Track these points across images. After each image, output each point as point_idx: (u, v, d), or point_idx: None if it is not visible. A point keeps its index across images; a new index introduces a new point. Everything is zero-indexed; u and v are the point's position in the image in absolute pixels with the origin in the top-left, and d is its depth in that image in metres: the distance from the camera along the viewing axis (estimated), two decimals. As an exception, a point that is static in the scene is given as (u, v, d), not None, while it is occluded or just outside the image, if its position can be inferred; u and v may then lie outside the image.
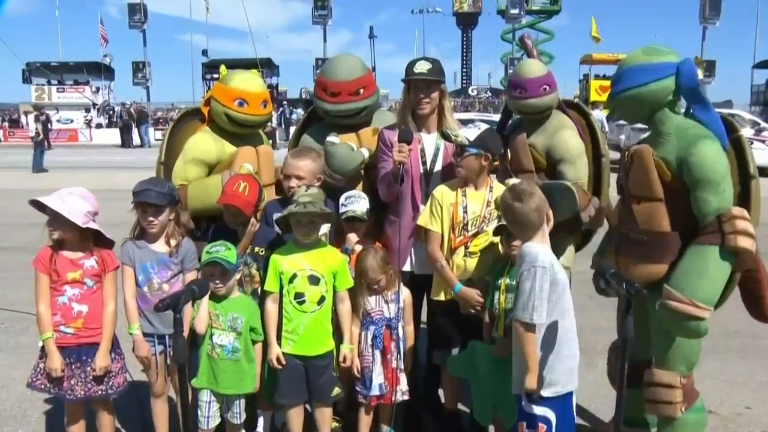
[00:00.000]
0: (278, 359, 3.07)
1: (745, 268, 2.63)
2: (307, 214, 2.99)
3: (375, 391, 3.24)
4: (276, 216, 3.17)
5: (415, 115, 3.42)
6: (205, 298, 2.98)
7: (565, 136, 3.54)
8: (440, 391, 3.67)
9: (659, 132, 2.78)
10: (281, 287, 3.08)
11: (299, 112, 29.31)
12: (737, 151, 2.74)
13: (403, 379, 3.30)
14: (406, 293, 3.35)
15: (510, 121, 3.98)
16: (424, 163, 3.43)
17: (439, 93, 3.39)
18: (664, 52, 2.80)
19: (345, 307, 3.17)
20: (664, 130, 2.75)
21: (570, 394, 2.70)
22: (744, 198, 2.68)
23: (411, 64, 3.34)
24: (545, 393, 2.64)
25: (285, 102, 35.31)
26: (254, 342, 3.12)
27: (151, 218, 3.03)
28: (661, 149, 2.73)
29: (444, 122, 3.43)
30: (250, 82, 3.59)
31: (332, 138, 3.53)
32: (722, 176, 2.57)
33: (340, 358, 3.18)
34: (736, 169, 2.70)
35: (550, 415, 2.68)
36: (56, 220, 2.90)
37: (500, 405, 3.07)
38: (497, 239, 3.17)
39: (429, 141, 3.45)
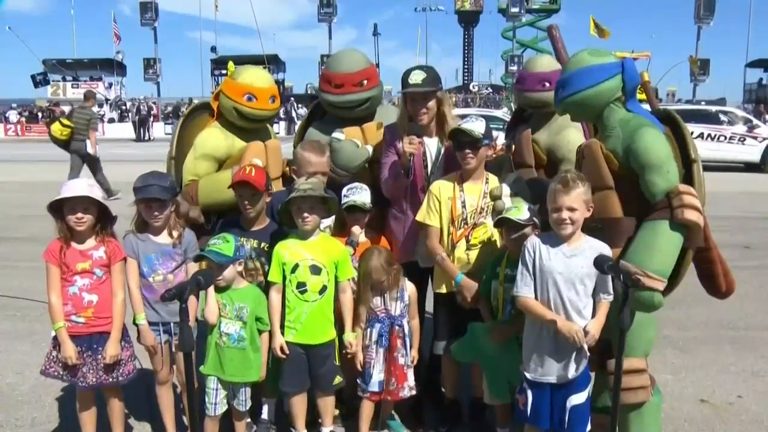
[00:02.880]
0: (281, 349, 3.14)
1: (697, 245, 2.74)
2: (307, 198, 3.06)
3: (374, 387, 3.28)
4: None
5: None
6: (212, 290, 3.04)
7: (568, 135, 3.54)
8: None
9: (606, 126, 2.92)
10: (284, 278, 3.15)
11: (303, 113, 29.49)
12: (679, 138, 2.88)
13: (410, 375, 3.33)
14: (411, 289, 3.38)
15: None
16: (426, 166, 3.49)
17: (436, 101, 3.39)
18: (606, 54, 2.95)
19: (347, 297, 3.23)
20: (611, 124, 2.90)
21: (556, 387, 2.77)
22: (688, 182, 2.79)
23: (405, 75, 3.33)
24: (523, 370, 2.83)
25: (292, 98, 35.42)
26: (260, 332, 3.15)
27: (156, 213, 3.10)
28: (609, 142, 2.88)
29: (446, 127, 3.41)
30: (258, 78, 3.65)
31: (338, 134, 3.58)
32: (665, 158, 2.71)
33: (345, 344, 3.24)
34: (679, 155, 2.83)
35: (528, 393, 2.82)
36: (87, 210, 2.96)
37: (514, 377, 3.07)
38: (496, 231, 3.23)
39: (431, 145, 3.50)
